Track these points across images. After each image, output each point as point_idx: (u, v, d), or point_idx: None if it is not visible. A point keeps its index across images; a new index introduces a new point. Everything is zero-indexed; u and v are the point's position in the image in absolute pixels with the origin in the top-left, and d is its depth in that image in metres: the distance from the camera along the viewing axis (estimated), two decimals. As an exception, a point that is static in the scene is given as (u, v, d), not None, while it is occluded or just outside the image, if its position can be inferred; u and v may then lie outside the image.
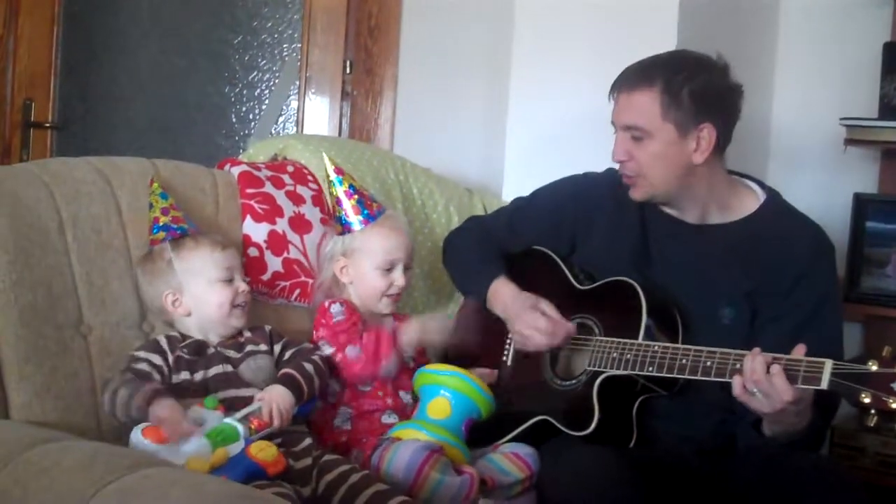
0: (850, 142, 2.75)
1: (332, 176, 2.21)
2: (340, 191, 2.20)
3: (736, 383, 1.84)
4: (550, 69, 2.78)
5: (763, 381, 1.79)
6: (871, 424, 1.74)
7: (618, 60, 2.20)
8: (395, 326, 2.13)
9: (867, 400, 1.72)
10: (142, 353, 1.94)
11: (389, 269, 2.18)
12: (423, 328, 2.13)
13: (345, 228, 2.20)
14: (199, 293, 2.01)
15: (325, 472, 1.84)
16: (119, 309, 2.01)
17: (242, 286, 2.04)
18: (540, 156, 2.74)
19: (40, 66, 3.38)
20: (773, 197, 2.17)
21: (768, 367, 1.80)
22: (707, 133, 2.05)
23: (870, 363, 1.73)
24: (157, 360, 1.93)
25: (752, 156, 2.85)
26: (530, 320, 2.13)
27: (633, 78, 2.08)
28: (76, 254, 1.97)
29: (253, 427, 1.83)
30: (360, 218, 2.18)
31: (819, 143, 2.94)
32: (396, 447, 1.93)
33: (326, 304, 2.15)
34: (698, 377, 1.91)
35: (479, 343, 2.25)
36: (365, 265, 2.18)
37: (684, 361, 1.92)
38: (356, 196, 2.20)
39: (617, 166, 2.19)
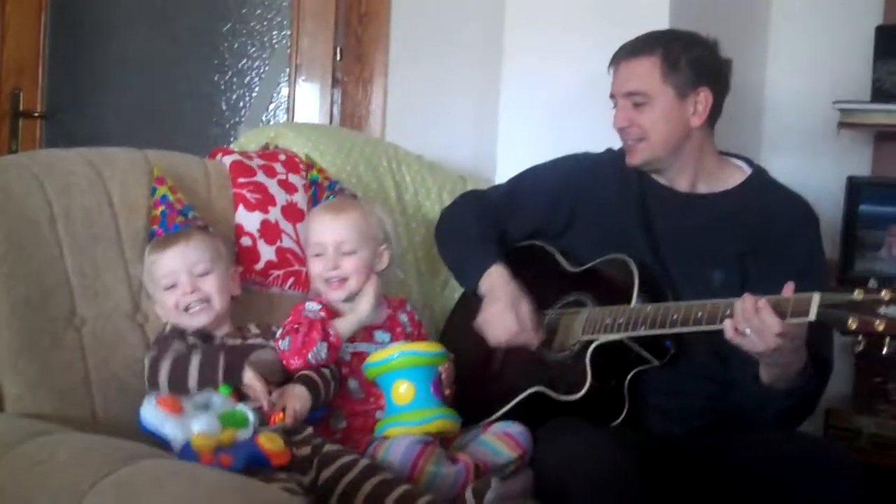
0: (843, 125, 2.75)
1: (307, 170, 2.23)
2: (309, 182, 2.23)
3: (727, 326, 1.89)
4: (542, 54, 2.77)
5: (753, 318, 1.84)
6: (860, 349, 1.78)
7: (611, 45, 2.22)
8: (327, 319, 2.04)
9: (854, 326, 1.75)
10: (169, 339, 1.95)
11: (319, 254, 2.12)
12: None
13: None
14: (159, 298, 2.00)
15: (326, 465, 1.81)
16: (112, 300, 2.00)
17: (184, 287, 1.97)
18: (532, 141, 2.72)
19: (28, 55, 3.35)
20: (759, 172, 2.26)
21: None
22: (703, 97, 2.16)
23: (856, 293, 1.77)
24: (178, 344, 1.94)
25: (745, 139, 2.84)
26: (502, 315, 2.14)
27: (633, 47, 2.19)
28: (68, 246, 1.96)
29: (264, 419, 1.84)
30: (312, 206, 2.19)
31: (812, 126, 2.94)
32: (390, 443, 1.91)
33: (304, 303, 2.12)
34: (690, 327, 1.94)
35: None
36: (307, 252, 2.17)
37: (676, 317, 1.96)
38: (313, 188, 2.21)
39: (607, 148, 2.27)
